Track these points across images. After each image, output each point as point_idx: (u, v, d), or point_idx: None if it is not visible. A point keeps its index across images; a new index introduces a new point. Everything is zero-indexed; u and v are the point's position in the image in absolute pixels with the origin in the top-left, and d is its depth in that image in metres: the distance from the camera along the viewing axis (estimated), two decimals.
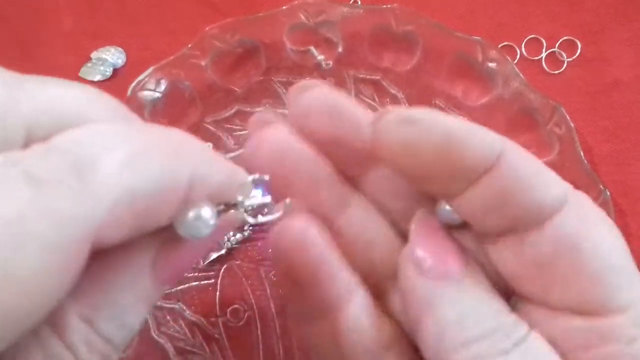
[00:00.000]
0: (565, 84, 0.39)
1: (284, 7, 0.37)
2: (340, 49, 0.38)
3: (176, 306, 0.35)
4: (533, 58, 0.40)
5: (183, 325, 0.35)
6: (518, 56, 0.40)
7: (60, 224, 0.12)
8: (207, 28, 0.37)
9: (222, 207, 0.16)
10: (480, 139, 0.16)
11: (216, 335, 0.34)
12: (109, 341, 0.15)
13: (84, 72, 0.41)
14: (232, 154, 0.38)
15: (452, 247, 0.17)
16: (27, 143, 0.14)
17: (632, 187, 0.37)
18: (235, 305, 0.35)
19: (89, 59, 0.41)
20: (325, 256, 0.18)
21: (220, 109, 0.38)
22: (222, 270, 0.35)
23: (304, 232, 0.18)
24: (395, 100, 0.38)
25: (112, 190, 0.13)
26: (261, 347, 0.34)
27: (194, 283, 0.35)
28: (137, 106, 0.36)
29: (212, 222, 0.15)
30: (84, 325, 0.14)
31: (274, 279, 0.35)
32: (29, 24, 0.42)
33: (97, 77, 0.40)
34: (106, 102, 0.16)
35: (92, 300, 0.15)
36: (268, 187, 0.18)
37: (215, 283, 0.35)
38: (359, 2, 0.41)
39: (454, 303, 0.16)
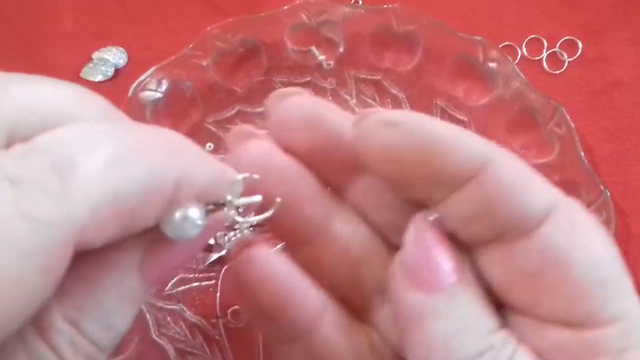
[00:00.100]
0: (566, 84, 0.39)
1: (285, 7, 0.37)
2: (341, 49, 0.38)
3: (177, 307, 0.35)
4: (534, 58, 0.40)
5: (183, 326, 0.34)
6: (519, 56, 0.40)
7: (41, 226, 0.12)
8: (209, 28, 0.37)
9: (210, 206, 0.16)
10: (465, 145, 0.15)
11: (217, 337, 0.34)
12: (95, 343, 0.15)
13: (86, 72, 0.40)
14: None
15: (447, 258, 0.16)
16: (9, 143, 0.13)
17: (632, 188, 0.37)
18: (236, 307, 0.35)
19: (91, 59, 0.41)
20: (292, 282, 0.18)
21: (221, 109, 0.38)
22: (223, 271, 0.35)
23: (268, 261, 0.18)
24: (396, 101, 0.38)
25: (94, 191, 0.12)
26: (261, 348, 0.34)
27: (194, 284, 0.35)
28: (139, 106, 0.36)
29: (199, 222, 0.15)
30: (69, 327, 0.14)
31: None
32: (29, 23, 0.42)
33: (99, 78, 0.40)
34: (93, 101, 0.15)
35: (76, 301, 0.14)
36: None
37: (216, 284, 0.35)
38: (360, 2, 0.41)
39: (444, 319, 0.16)
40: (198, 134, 0.38)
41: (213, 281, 0.35)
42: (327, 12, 0.37)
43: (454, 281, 0.16)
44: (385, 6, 0.37)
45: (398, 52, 0.38)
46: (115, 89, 0.40)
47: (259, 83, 0.38)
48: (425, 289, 0.16)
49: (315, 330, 0.18)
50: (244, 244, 0.18)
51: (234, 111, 0.38)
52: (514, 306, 0.17)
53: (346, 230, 0.19)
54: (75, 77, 0.40)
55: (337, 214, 0.19)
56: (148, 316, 0.34)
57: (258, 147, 0.18)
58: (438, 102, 0.38)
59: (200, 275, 0.35)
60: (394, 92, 0.38)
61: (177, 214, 0.15)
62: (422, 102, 0.38)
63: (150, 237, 0.15)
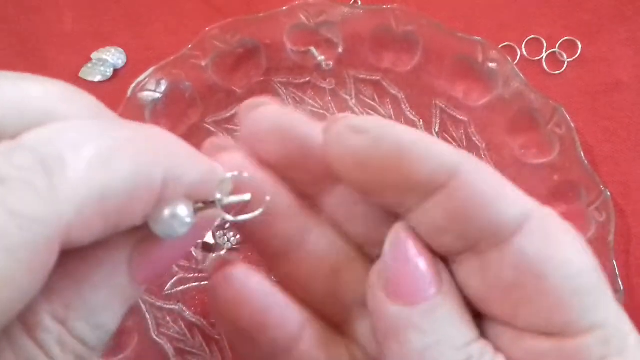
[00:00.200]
0: (566, 84, 0.39)
1: (284, 8, 0.37)
2: (340, 50, 0.38)
3: (176, 307, 0.35)
4: (533, 58, 0.40)
5: (183, 326, 0.34)
6: (518, 56, 0.40)
7: (27, 223, 0.12)
8: (208, 28, 0.37)
9: (200, 205, 0.16)
10: (433, 153, 0.15)
11: (216, 336, 0.34)
12: (83, 342, 0.14)
13: (84, 72, 0.40)
14: None
15: (426, 269, 0.16)
16: None
17: (632, 188, 0.37)
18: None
19: (90, 59, 0.41)
20: (270, 302, 0.18)
21: (220, 109, 0.38)
22: None
23: (245, 281, 0.18)
24: (395, 101, 0.38)
25: (80, 189, 0.12)
26: None
27: (194, 284, 0.35)
28: (138, 107, 0.36)
29: (188, 220, 0.15)
30: (57, 325, 0.14)
31: (274, 279, 0.35)
32: (29, 23, 0.42)
33: (98, 78, 0.40)
34: (81, 100, 0.15)
35: (64, 299, 0.14)
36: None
37: None
38: (360, 3, 0.41)
39: (422, 331, 0.16)
40: (197, 135, 0.38)
41: None
42: (326, 12, 0.37)
43: (432, 293, 0.16)
44: (384, 7, 0.37)
45: (397, 53, 0.38)
46: (114, 89, 0.40)
47: (258, 83, 0.38)
48: (403, 300, 0.16)
49: (294, 349, 0.18)
50: (221, 264, 0.18)
51: (233, 111, 0.38)
52: (491, 316, 0.17)
53: (322, 244, 0.19)
54: (74, 77, 0.40)
55: (313, 227, 0.19)
56: (147, 316, 0.34)
57: (231, 160, 0.18)
58: (438, 102, 0.38)
59: (200, 275, 0.35)
60: (394, 92, 0.38)
61: (166, 212, 0.15)
62: (422, 102, 0.38)
63: (139, 235, 0.15)
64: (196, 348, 0.34)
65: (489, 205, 0.15)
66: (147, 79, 0.36)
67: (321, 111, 0.38)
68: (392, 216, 0.17)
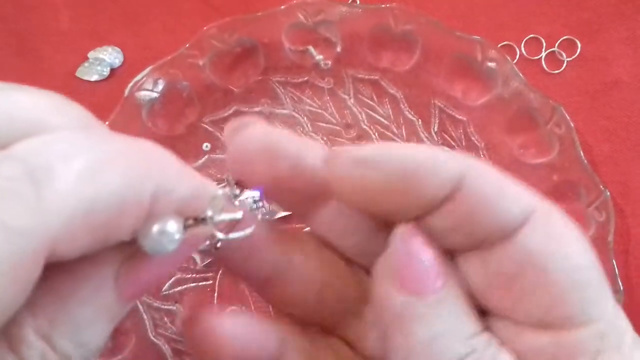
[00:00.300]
0: (565, 84, 0.39)
1: (282, 7, 0.37)
2: (338, 49, 0.38)
3: (174, 308, 0.35)
4: (533, 58, 0.40)
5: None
6: (517, 56, 0.40)
7: (12, 234, 0.11)
8: (205, 27, 0.37)
9: (190, 221, 0.15)
10: (438, 170, 0.16)
11: None
12: (67, 359, 0.14)
13: (81, 71, 0.40)
14: None
15: (433, 261, 0.16)
16: None
17: (632, 187, 0.37)
18: (233, 307, 0.35)
19: (86, 58, 0.41)
20: (247, 339, 0.18)
21: (218, 109, 0.38)
22: (220, 271, 0.35)
23: (220, 327, 0.18)
24: (394, 100, 0.38)
25: (68, 201, 0.12)
26: None
27: (191, 284, 0.35)
28: (135, 106, 0.36)
29: (177, 237, 0.14)
30: (40, 342, 0.14)
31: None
32: (25, 22, 0.42)
33: (94, 77, 0.40)
34: (71, 111, 0.15)
35: (49, 314, 0.14)
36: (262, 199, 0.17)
37: (213, 284, 0.35)
38: (358, 2, 0.41)
39: (427, 322, 0.16)
40: (195, 134, 0.38)
41: (210, 282, 0.35)
42: (325, 11, 0.37)
43: (439, 285, 0.16)
44: (383, 6, 0.37)
45: (396, 52, 0.38)
46: (111, 88, 0.40)
47: (256, 83, 0.38)
48: (410, 291, 0.16)
49: None
50: (193, 309, 0.18)
51: (231, 111, 0.38)
52: (492, 310, 0.17)
53: (309, 265, 0.19)
54: (70, 76, 0.40)
55: (296, 250, 0.19)
56: (145, 316, 0.34)
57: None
58: (436, 102, 0.38)
59: (198, 276, 0.35)
60: (392, 92, 0.38)
61: (155, 228, 0.14)
62: (421, 101, 0.38)
63: (127, 250, 0.15)
64: None
65: (495, 207, 0.16)
66: (144, 79, 0.36)
67: (319, 110, 0.38)
68: (386, 227, 0.17)
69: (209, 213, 0.16)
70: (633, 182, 0.37)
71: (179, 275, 0.35)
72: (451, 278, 0.17)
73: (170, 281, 0.35)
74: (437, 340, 0.16)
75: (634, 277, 0.36)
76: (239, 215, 0.16)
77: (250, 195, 0.17)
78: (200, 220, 0.16)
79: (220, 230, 0.16)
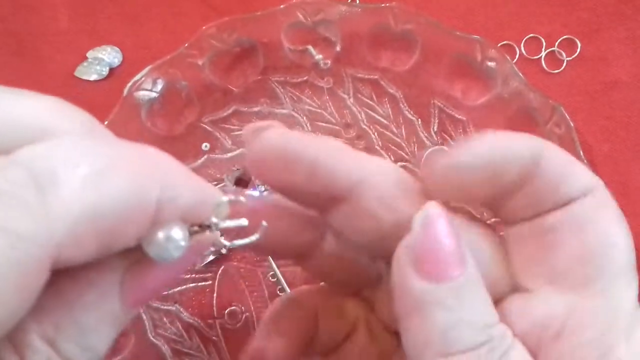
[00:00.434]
0: (565, 83, 0.39)
1: (281, 6, 0.37)
2: (338, 48, 0.38)
3: (173, 308, 0.35)
4: (532, 57, 0.40)
5: (180, 327, 0.34)
6: (517, 55, 0.40)
7: (17, 241, 0.11)
8: (205, 27, 0.37)
9: (195, 228, 0.15)
10: (519, 152, 0.17)
11: (213, 337, 0.34)
12: None
13: (80, 71, 0.40)
14: (230, 154, 0.37)
15: (456, 249, 0.16)
16: None
17: (631, 187, 0.37)
18: (233, 307, 0.35)
19: (85, 58, 0.41)
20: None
21: (217, 108, 0.38)
22: (220, 271, 0.35)
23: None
24: (393, 100, 0.38)
25: (73, 207, 0.12)
26: None
27: (191, 285, 0.35)
28: (134, 106, 0.36)
29: (182, 243, 0.15)
30: (46, 346, 0.14)
31: (272, 280, 0.35)
32: (24, 22, 0.42)
33: (93, 77, 0.40)
34: (76, 116, 0.15)
35: (54, 319, 0.14)
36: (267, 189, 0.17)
37: (213, 285, 0.35)
38: (357, 1, 0.41)
39: (446, 309, 0.16)
40: (194, 134, 0.37)
41: (210, 282, 0.35)
42: (324, 11, 0.37)
43: (460, 272, 0.16)
44: (382, 5, 0.37)
45: (396, 52, 0.38)
46: (110, 88, 0.40)
47: (256, 82, 0.38)
48: (431, 277, 0.16)
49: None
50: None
51: (230, 111, 0.38)
52: (519, 263, 0.18)
53: (337, 246, 0.20)
54: (69, 76, 0.40)
55: (325, 233, 0.20)
56: (145, 317, 0.34)
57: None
58: (436, 101, 0.38)
59: (197, 276, 0.35)
60: (392, 91, 0.38)
61: (160, 234, 0.14)
62: (420, 101, 0.38)
63: (132, 257, 0.15)
64: (193, 349, 0.34)
65: (567, 182, 0.17)
66: (143, 78, 0.36)
67: (319, 110, 0.38)
68: (400, 231, 0.18)
69: (214, 220, 0.16)
70: (633, 182, 0.37)
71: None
72: (473, 266, 0.17)
73: None
74: (456, 327, 0.16)
75: None
76: (244, 222, 0.16)
77: (238, 224, 0.17)
78: (205, 227, 0.16)
79: (225, 237, 0.16)
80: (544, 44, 0.40)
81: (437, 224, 0.16)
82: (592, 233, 0.17)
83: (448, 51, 0.37)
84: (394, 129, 0.38)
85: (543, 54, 0.40)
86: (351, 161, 0.18)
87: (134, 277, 0.15)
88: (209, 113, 0.38)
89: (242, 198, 0.17)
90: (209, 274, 0.35)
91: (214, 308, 0.35)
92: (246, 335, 0.34)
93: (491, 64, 0.36)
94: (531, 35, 0.40)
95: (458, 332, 0.16)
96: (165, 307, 0.35)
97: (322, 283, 0.24)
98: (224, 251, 0.17)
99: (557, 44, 0.40)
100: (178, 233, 0.14)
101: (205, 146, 0.38)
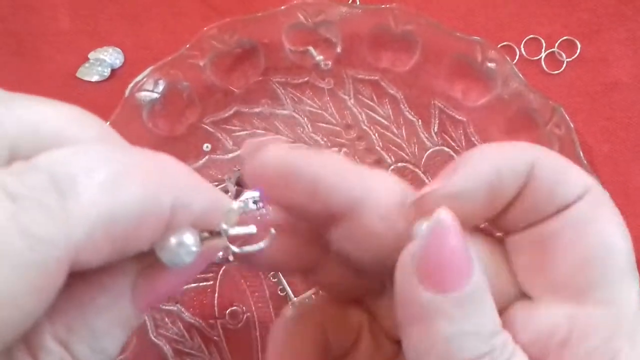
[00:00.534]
0: (565, 84, 0.39)
1: (282, 7, 0.37)
2: (339, 49, 0.38)
3: (174, 308, 0.35)
4: (532, 58, 0.40)
5: (181, 327, 0.34)
6: (517, 56, 0.40)
7: (37, 243, 0.12)
8: (206, 28, 0.37)
9: (206, 234, 0.16)
10: (512, 168, 0.17)
11: (215, 337, 0.34)
12: None
13: (82, 72, 0.40)
14: (231, 155, 0.37)
15: (463, 257, 0.16)
16: (10, 161, 0.14)
17: (631, 188, 0.37)
18: (234, 307, 0.35)
19: (87, 59, 0.41)
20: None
21: (218, 109, 0.38)
22: (221, 272, 0.35)
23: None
24: (394, 101, 0.38)
25: (91, 211, 0.13)
26: (259, 348, 0.34)
27: (192, 285, 0.35)
28: (135, 107, 0.36)
29: (194, 249, 0.15)
30: (59, 348, 0.14)
31: (273, 280, 0.35)
32: (25, 22, 0.42)
33: (95, 78, 0.40)
34: (92, 124, 0.16)
35: (67, 321, 0.14)
36: (263, 200, 0.17)
37: (214, 285, 0.35)
38: (358, 2, 0.41)
39: (451, 318, 0.16)
40: (195, 135, 0.38)
41: (211, 282, 0.35)
42: (325, 12, 0.37)
43: (466, 281, 0.16)
44: (383, 6, 0.37)
45: (396, 52, 0.38)
46: (111, 89, 0.40)
47: (257, 83, 0.38)
48: (437, 287, 0.16)
49: None
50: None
51: (231, 111, 0.38)
52: (521, 272, 0.18)
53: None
54: (71, 77, 0.40)
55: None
56: (146, 317, 0.34)
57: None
58: (436, 102, 0.38)
59: (199, 276, 0.35)
60: (392, 92, 0.38)
61: (173, 240, 0.15)
62: (421, 102, 0.38)
63: (144, 261, 0.15)
64: (195, 349, 0.34)
65: (561, 190, 0.17)
66: (144, 79, 0.36)
67: (319, 111, 0.38)
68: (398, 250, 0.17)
69: (224, 226, 0.16)
70: (632, 183, 0.37)
71: None
72: (477, 273, 0.16)
73: None
74: (460, 338, 0.16)
75: None
76: (253, 229, 0.17)
77: (251, 195, 0.17)
78: (215, 234, 0.16)
79: (234, 243, 0.17)
80: (544, 44, 0.40)
81: (446, 233, 0.16)
82: (591, 238, 0.17)
83: (448, 52, 0.37)
84: (395, 130, 0.38)
85: (543, 54, 0.40)
86: (352, 179, 0.17)
87: (146, 282, 0.15)
88: (210, 114, 0.38)
89: (251, 206, 0.17)
90: (211, 274, 0.35)
91: (215, 308, 0.35)
92: (247, 335, 0.34)
93: (491, 64, 0.36)
94: (531, 36, 0.40)
95: (461, 342, 0.16)
96: (166, 308, 0.35)
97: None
98: (231, 258, 0.17)
99: (557, 44, 0.40)
100: (190, 239, 0.15)
101: (206, 147, 0.38)
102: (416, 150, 0.37)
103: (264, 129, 0.38)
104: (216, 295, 0.35)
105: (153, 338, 0.34)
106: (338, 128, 0.38)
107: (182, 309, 0.35)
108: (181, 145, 0.37)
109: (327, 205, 0.17)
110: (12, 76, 0.41)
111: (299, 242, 0.20)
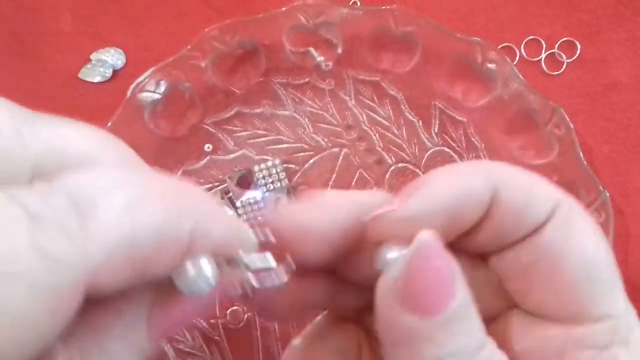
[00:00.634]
0: (565, 85, 0.39)
1: (283, 9, 0.37)
2: (339, 50, 0.38)
3: None
4: (532, 59, 0.40)
5: (183, 327, 0.34)
6: (517, 57, 0.40)
7: (55, 264, 0.12)
8: (207, 29, 0.37)
9: (224, 265, 0.15)
10: (474, 190, 0.16)
11: (216, 337, 0.34)
12: None
13: (84, 73, 0.40)
14: (232, 155, 0.38)
15: (447, 279, 0.15)
16: (31, 181, 0.14)
17: (631, 188, 0.37)
18: (235, 307, 0.35)
19: (89, 60, 0.41)
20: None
21: (220, 110, 0.38)
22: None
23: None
24: (394, 102, 0.38)
25: (111, 234, 0.12)
26: (260, 348, 0.34)
27: None
28: (137, 108, 0.36)
29: (212, 279, 0.15)
30: None
31: None
32: (27, 24, 0.42)
33: (97, 79, 0.40)
34: (114, 146, 0.16)
35: (81, 344, 0.14)
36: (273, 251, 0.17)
37: None
38: (358, 3, 0.41)
39: (436, 343, 0.15)
40: (196, 135, 0.38)
41: None
42: (325, 13, 0.37)
43: (450, 303, 0.15)
44: (383, 7, 0.37)
45: (396, 53, 0.38)
46: (113, 90, 0.40)
47: (258, 84, 0.38)
48: (420, 311, 0.15)
49: None
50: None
51: (232, 112, 0.38)
52: (516, 303, 0.17)
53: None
54: (73, 78, 0.40)
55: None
56: None
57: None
58: (437, 103, 0.38)
59: None
60: (393, 93, 0.38)
61: (191, 268, 0.14)
62: (421, 103, 0.38)
63: (160, 288, 0.15)
64: (196, 349, 0.34)
65: (527, 212, 0.16)
66: (146, 80, 0.36)
67: (320, 112, 0.39)
68: None
69: (244, 258, 0.16)
70: (632, 183, 0.37)
71: None
72: (462, 291, 0.16)
73: None
74: (445, 358, 0.15)
75: (633, 276, 0.36)
76: (272, 264, 0.17)
77: (251, 195, 0.17)
78: (233, 264, 0.16)
79: (253, 277, 0.16)
80: (544, 45, 0.40)
81: (429, 256, 0.16)
82: (570, 263, 0.16)
83: (448, 53, 0.37)
84: (395, 130, 0.38)
85: (543, 55, 0.40)
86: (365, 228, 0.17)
87: (162, 310, 0.15)
88: (212, 114, 0.38)
89: (270, 237, 0.17)
90: None
91: (217, 308, 0.35)
92: (248, 335, 0.34)
93: (491, 65, 0.36)
94: (531, 37, 0.40)
95: None
96: None
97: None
98: (250, 294, 0.17)
99: (557, 45, 0.40)
100: (208, 267, 0.15)
101: (207, 147, 0.38)
102: (417, 150, 0.38)
103: (265, 129, 0.38)
104: (216, 296, 0.35)
105: None
106: (339, 129, 0.38)
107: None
108: (182, 145, 0.37)
109: (321, 246, 0.17)
110: (13, 77, 0.41)
111: (318, 281, 0.19)
